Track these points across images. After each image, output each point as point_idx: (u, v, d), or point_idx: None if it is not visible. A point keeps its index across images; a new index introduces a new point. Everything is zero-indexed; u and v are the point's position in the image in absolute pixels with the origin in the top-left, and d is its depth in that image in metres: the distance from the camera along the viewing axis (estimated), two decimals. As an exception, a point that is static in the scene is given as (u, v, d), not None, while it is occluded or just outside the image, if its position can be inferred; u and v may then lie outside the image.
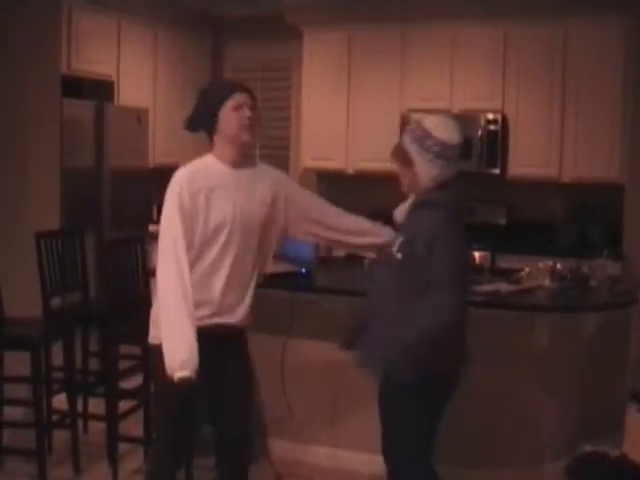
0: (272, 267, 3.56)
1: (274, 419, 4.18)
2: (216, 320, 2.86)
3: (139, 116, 5.94)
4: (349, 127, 6.42)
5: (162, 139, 6.40)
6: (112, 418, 4.01)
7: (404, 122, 6.13)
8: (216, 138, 2.90)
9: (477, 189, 5.96)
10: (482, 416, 3.82)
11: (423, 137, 2.82)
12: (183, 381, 2.62)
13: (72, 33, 5.42)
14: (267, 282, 3.59)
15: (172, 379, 2.63)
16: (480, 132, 5.85)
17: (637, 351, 4.30)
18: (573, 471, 3.85)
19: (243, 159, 2.92)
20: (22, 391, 4.07)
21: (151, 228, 5.74)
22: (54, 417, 4.19)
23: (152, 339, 2.87)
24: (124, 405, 4.07)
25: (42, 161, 5.28)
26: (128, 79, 6.00)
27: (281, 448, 4.17)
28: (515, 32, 5.87)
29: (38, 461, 3.84)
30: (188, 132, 2.99)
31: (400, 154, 2.89)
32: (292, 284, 4.01)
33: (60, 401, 4.23)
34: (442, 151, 2.81)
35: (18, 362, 3.92)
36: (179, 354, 2.64)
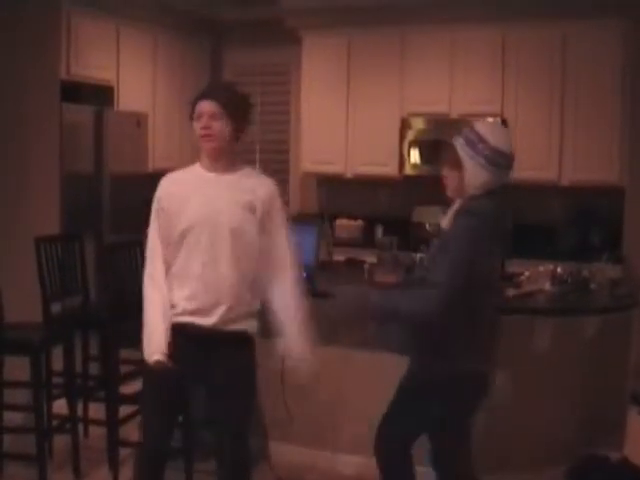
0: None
1: (274, 422, 4.18)
2: (187, 319, 2.91)
3: (138, 121, 5.95)
4: (348, 131, 6.43)
5: (161, 144, 6.40)
6: (112, 423, 4.01)
7: (403, 126, 6.15)
8: None
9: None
10: (482, 419, 3.81)
11: (476, 141, 2.79)
12: (158, 364, 2.85)
13: (71, 38, 5.43)
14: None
15: (149, 363, 2.88)
16: (479, 136, 5.84)
17: (638, 354, 4.30)
18: (574, 475, 3.85)
19: (222, 165, 2.93)
20: (22, 396, 4.06)
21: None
22: (54, 422, 4.18)
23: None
24: (124, 410, 4.06)
25: (42, 166, 5.28)
26: (127, 84, 6.01)
27: (281, 451, 4.16)
28: (514, 36, 5.88)
29: (39, 466, 3.82)
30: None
31: (450, 156, 2.85)
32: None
33: (60, 406, 4.22)
34: (494, 157, 2.78)
35: (18, 367, 3.91)
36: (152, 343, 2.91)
